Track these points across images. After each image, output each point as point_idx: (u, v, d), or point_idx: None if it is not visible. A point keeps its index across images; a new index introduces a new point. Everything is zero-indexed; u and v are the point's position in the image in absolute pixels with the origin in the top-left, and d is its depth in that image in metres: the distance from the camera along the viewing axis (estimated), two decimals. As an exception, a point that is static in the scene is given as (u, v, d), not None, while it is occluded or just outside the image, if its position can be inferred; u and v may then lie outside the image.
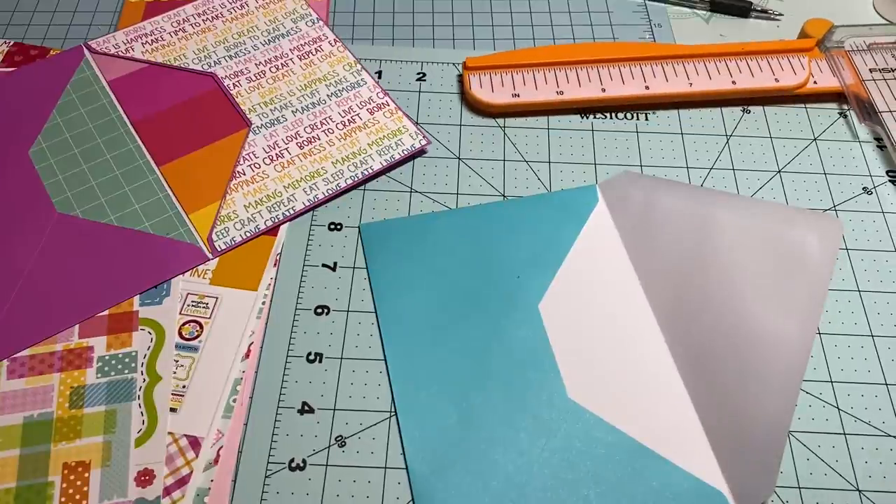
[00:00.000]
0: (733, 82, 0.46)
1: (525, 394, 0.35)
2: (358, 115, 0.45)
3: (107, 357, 0.36)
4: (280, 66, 0.47)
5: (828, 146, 0.45)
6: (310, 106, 0.45)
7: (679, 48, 0.47)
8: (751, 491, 0.32)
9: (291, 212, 0.41)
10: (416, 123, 0.45)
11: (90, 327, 0.37)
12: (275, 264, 0.40)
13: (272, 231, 0.41)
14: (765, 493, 0.32)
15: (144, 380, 0.35)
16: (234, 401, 0.35)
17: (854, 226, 0.41)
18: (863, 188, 0.43)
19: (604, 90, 0.45)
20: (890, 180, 0.43)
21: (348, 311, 0.38)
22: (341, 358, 0.37)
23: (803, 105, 0.47)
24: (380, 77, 0.47)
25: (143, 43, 0.48)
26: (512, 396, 0.35)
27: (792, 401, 0.35)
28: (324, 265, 0.40)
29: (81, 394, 0.35)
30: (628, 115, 0.46)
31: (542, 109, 0.46)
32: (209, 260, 0.39)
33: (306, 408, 0.35)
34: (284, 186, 0.42)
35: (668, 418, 0.35)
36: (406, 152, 0.43)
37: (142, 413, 0.34)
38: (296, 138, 0.44)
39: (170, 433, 0.34)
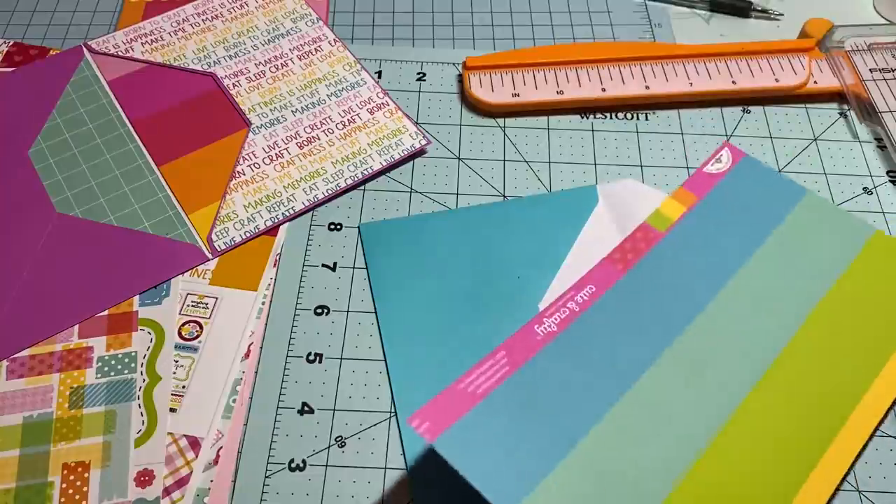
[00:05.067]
0: (733, 82, 0.45)
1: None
2: (358, 115, 0.45)
3: (106, 357, 0.36)
4: (280, 66, 0.47)
5: (828, 146, 0.45)
6: (310, 106, 0.45)
7: (679, 48, 0.47)
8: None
9: (291, 212, 0.41)
10: (416, 123, 0.45)
11: (90, 327, 0.37)
12: (274, 264, 0.40)
13: (272, 231, 0.41)
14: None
15: (144, 380, 0.35)
16: (234, 401, 0.35)
17: (854, 226, 0.41)
18: (863, 188, 0.43)
19: (604, 90, 0.45)
20: (890, 180, 0.43)
21: (348, 311, 0.38)
22: (341, 358, 0.37)
23: (803, 105, 0.47)
24: (380, 77, 0.47)
25: (142, 43, 0.48)
26: (512, 396, 0.35)
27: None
28: (324, 265, 0.40)
29: (81, 394, 0.35)
30: (628, 115, 0.46)
31: (542, 109, 0.46)
32: (209, 260, 0.39)
33: (306, 408, 0.35)
34: (284, 186, 0.42)
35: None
36: (406, 152, 0.43)
37: (141, 413, 0.34)
38: (295, 138, 0.44)
39: (169, 433, 0.34)
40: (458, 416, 0.29)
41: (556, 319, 0.33)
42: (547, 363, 0.32)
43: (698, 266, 0.35)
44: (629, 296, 0.34)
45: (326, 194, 0.41)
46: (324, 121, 0.44)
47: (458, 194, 0.42)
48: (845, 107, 0.47)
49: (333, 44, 0.48)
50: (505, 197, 0.42)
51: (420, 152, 0.44)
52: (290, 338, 0.37)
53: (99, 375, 0.35)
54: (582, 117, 0.46)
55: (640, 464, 0.30)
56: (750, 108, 0.47)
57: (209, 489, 0.33)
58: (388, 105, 0.45)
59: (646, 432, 0.30)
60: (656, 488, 0.29)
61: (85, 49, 0.47)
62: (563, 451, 0.29)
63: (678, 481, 0.29)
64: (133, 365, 0.36)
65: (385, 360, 0.36)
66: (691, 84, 0.45)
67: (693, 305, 0.34)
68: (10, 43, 0.48)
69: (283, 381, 0.36)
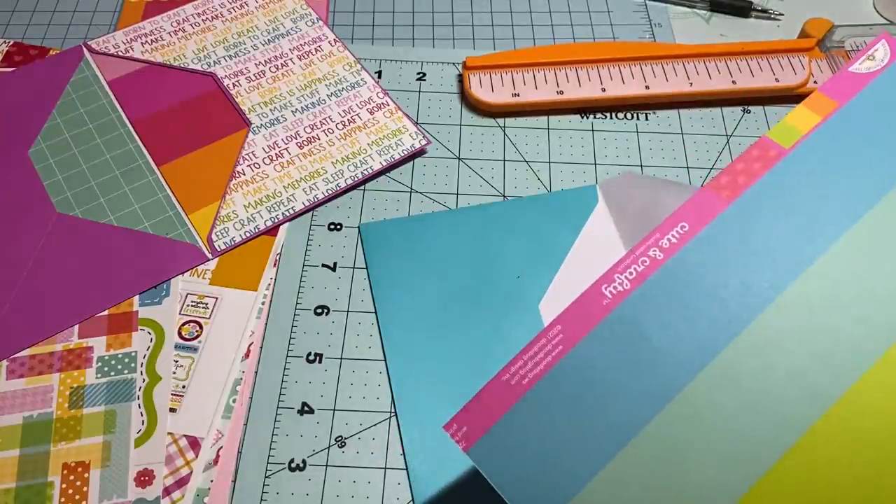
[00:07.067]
0: (733, 82, 0.45)
1: (525, 394, 0.35)
2: (358, 115, 0.45)
3: (106, 357, 0.36)
4: (280, 66, 0.47)
5: (828, 146, 0.45)
6: (310, 106, 0.45)
7: (679, 48, 0.47)
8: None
9: (291, 212, 0.41)
10: (416, 123, 0.45)
11: (90, 327, 0.37)
12: (275, 264, 0.40)
13: (272, 231, 0.41)
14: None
15: (144, 380, 0.35)
16: (234, 401, 0.35)
17: (854, 226, 0.41)
18: (863, 188, 0.43)
19: (604, 90, 0.45)
20: (890, 180, 0.43)
21: (348, 311, 0.38)
22: (341, 358, 0.37)
23: (803, 105, 0.47)
24: (380, 77, 0.47)
25: (142, 43, 0.48)
26: (512, 396, 0.35)
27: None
28: (324, 265, 0.40)
29: (81, 394, 0.35)
30: (628, 115, 0.46)
31: (542, 109, 0.46)
32: (209, 260, 0.39)
33: (306, 408, 0.35)
34: (284, 186, 0.42)
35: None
36: (406, 152, 0.43)
37: (141, 413, 0.34)
38: (295, 138, 0.44)
39: (169, 433, 0.34)
40: (497, 416, 0.25)
41: (630, 274, 0.26)
42: (610, 335, 0.25)
43: (833, 190, 0.26)
44: (736, 232, 0.26)
45: (326, 194, 0.41)
46: (324, 121, 0.44)
47: (458, 194, 0.42)
48: (845, 107, 0.47)
49: (333, 44, 0.48)
50: (505, 197, 0.42)
51: (420, 152, 0.44)
52: (290, 338, 0.37)
53: (99, 375, 0.35)
54: (582, 117, 0.46)
55: (705, 466, 0.23)
56: (750, 108, 0.47)
57: (209, 489, 0.33)
58: (388, 105, 0.45)
59: (722, 423, 0.24)
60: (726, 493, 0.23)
61: (85, 49, 0.47)
62: (612, 452, 0.24)
63: (751, 487, 0.23)
64: (133, 365, 0.36)
65: (385, 360, 0.36)
66: (691, 84, 0.45)
67: (820, 241, 0.25)
68: (10, 43, 0.48)
69: (283, 381, 0.36)
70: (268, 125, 0.44)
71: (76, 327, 0.37)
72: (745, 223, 0.26)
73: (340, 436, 0.34)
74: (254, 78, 0.46)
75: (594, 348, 0.25)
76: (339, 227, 0.41)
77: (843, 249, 0.25)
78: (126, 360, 0.36)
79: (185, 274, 0.39)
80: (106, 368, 0.36)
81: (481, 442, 0.24)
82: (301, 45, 0.48)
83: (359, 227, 0.41)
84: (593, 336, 0.25)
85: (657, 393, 0.24)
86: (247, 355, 0.36)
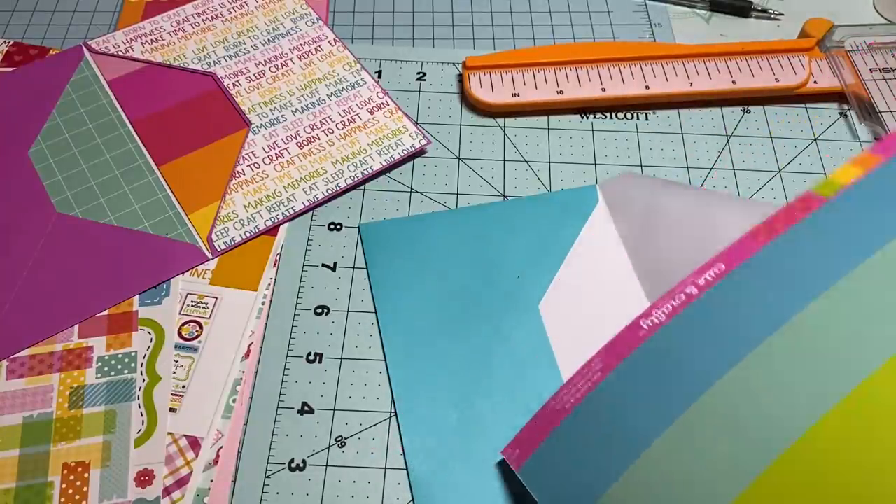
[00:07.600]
0: (733, 82, 0.45)
1: (525, 394, 0.35)
2: (358, 114, 0.45)
3: (106, 357, 0.36)
4: (280, 66, 0.47)
5: (828, 146, 0.45)
6: (310, 106, 0.45)
7: (679, 48, 0.47)
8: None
9: (291, 212, 0.41)
10: (416, 123, 0.45)
11: (90, 327, 0.37)
12: (274, 264, 0.40)
13: (272, 231, 0.41)
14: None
15: (144, 380, 0.35)
16: (234, 401, 0.35)
17: (854, 226, 0.41)
18: (863, 188, 0.43)
19: (604, 90, 0.45)
20: (890, 180, 0.43)
21: (348, 311, 0.38)
22: (341, 358, 0.37)
23: (803, 105, 0.47)
24: (380, 77, 0.47)
25: (142, 43, 0.48)
26: (512, 396, 0.35)
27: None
28: (324, 265, 0.40)
29: (81, 394, 0.35)
30: (628, 115, 0.46)
31: (542, 109, 0.46)
32: (209, 260, 0.39)
33: (306, 408, 0.35)
34: (284, 186, 0.42)
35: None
36: (406, 152, 0.43)
37: (141, 413, 0.34)
38: (295, 138, 0.44)
39: (169, 433, 0.34)
40: (541, 439, 0.27)
41: (666, 309, 0.27)
42: (641, 360, 0.27)
43: (871, 222, 0.26)
44: (763, 269, 0.27)
45: (326, 194, 0.41)
46: (324, 121, 0.44)
47: (458, 194, 0.42)
48: (845, 107, 0.47)
49: (333, 44, 0.48)
50: (505, 197, 0.42)
51: (420, 152, 0.44)
52: (290, 338, 0.37)
53: (99, 375, 0.35)
54: (582, 117, 0.46)
55: (703, 473, 0.25)
56: (750, 108, 0.47)
57: (209, 489, 0.33)
58: (388, 105, 0.45)
59: (724, 431, 0.25)
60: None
61: (85, 49, 0.47)
62: (626, 464, 0.26)
63: (748, 485, 0.24)
64: (133, 365, 0.36)
65: (385, 360, 0.36)
66: (691, 84, 0.45)
67: (846, 262, 0.26)
68: (10, 43, 0.48)
69: (283, 381, 0.36)
70: (268, 125, 0.44)
71: (76, 327, 0.37)
72: (779, 255, 0.27)
73: (340, 436, 0.34)
74: (254, 78, 0.46)
75: (624, 375, 0.27)
76: (339, 227, 0.41)
77: (868, 270, 0.26)
78: (126, 360, 0.36)
79: (185, 274, 0.39)
80: (106, 368, 0.36)
81: (528, 463, 0.27)
82: (301, 44, 0.48)
83: (359, 227, 0.41)
84: (627, 363, 0.27)
85: (672, 406, 0.26)
86: (247, 355, 0.36)
